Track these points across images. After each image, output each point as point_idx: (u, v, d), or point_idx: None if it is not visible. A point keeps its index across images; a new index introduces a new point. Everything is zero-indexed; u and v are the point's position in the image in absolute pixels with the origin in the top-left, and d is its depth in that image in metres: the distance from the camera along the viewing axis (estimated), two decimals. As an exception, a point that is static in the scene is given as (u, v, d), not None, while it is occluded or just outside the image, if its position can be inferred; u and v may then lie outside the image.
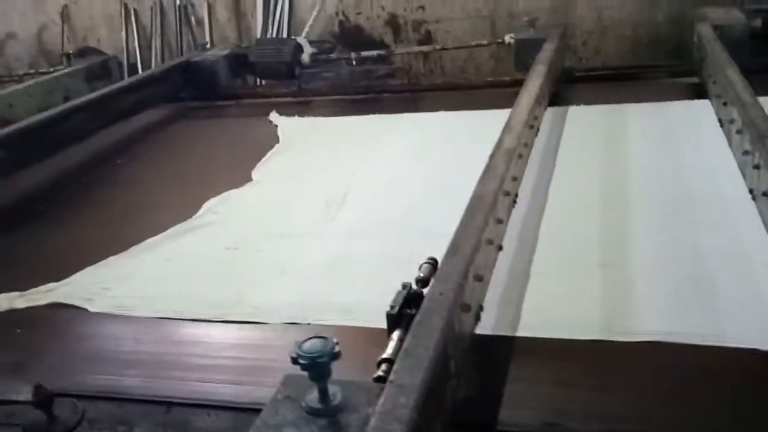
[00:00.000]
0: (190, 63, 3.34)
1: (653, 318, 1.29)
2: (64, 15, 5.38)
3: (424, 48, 3.67)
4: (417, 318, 1.03)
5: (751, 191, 1.59)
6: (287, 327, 1.44)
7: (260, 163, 2.44)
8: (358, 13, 4.86)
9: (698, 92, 2.51)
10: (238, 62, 3.45)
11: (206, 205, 2.09)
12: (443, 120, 2.72)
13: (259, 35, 4.97)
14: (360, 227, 1.85)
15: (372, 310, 1.35)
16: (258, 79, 4.19)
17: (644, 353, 1.22)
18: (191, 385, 1.29)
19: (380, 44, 4.80)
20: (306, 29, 4.76)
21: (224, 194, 2.17)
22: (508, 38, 3.05)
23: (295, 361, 0.85)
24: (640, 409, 1.11)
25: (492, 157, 1.61)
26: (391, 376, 0.90)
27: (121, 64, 4.08)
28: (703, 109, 2.29)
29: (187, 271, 1.73)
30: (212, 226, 1.96)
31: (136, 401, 1.23)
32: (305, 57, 3.35)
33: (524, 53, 2.91)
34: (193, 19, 5.12)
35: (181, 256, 1.80)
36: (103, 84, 3.64)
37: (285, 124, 2.85)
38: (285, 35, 4.85)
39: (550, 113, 2.44)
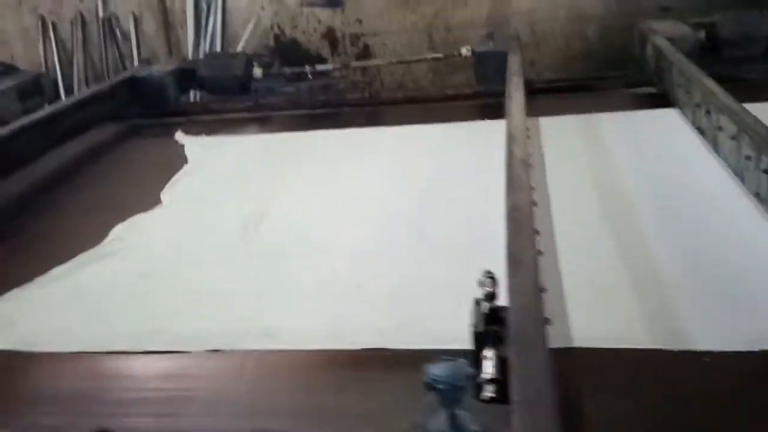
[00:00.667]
0: (135, 78, 3.18)
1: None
2: (-28, 28, 5.04)
3: (376, 62, 3.64)
4: (511, 334, 1.00)
5: (757, 194, 1.67)
6: (209, 354, 1.40)
7: (168, 185, 2.35)
8: (294, 27, 4.79)
9: (658, 102, 2.62)
10: (186, 77, 3.31)
11: (114, 232, 2.00)
12: (385, 134, 2.72)
13: (190, 49, 4.82)
14: (279, 249, 1.83)
15: (298, 332, 1.41)
16: (195, 96, 4.07)
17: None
18: (118, 420, 1.22)
19: (317, 58, 4.75)
20: (242, 43, 4.66)
21: (131, 219, 2.08)
22: (464, 50, 3.07)
23: (430, 387, 0.81)
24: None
25: (510, 167, 1.61)
26: (515, 396, 0.87)
27: (54, 82, 3.84)
28: (671, 117, 2.40)
29: (99, 301, 1.65)
30: (121, 253, 1.88)
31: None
32: (257, 71, 3.27)
33: (485, 66, 2.96)
34: (118, 32, 4.89)
35: (91, 285, 1.72)
36: (36, 102, 3.42)
37: (193, 144, 2.76)
38: (218, 49, 4.72)
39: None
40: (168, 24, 4.88)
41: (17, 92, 3.25)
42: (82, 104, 2.84)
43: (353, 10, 4.69)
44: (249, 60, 3.27)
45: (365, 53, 4.78)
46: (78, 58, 4.92)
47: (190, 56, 4.80)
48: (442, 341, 1.25)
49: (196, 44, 4.80)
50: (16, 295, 1.69)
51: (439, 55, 3.34)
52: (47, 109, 2.64)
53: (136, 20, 4.88)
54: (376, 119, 2.99)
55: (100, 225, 2.05)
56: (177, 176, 2.44)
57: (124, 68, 4.91)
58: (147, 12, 4.88)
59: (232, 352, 1.40)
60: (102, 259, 1.85)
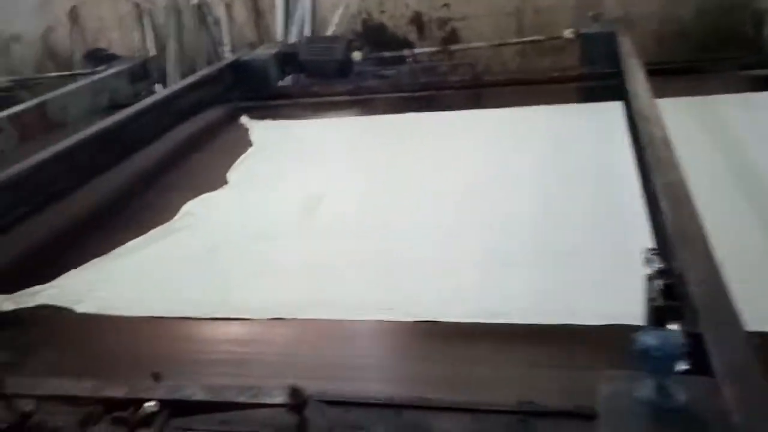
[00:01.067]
0: (240, 62, 3.26)
1: None
2: (73, 16, 5.23)
3: (476, 44, 3.62)
4: (696, 307, 1.00)
5: None
6: (272, 322, 1.50)
7: (234, 166, 2.45)
8: (382, 12, 4.81)
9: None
10: (287, 61, 3.38)
11: (183, 209, 2.10)
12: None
13: (279, 35, 4.90)
14: (336, 228, 1.90)
15: (353, 305, 1.50)
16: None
17: None
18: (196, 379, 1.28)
19: (404, 43, 4.76)
20: (331, 28, 4.71)
21: (200, 197, 2.19)
22: (567, 33, 3.04)
23: (642, 355, 0.82)
24: None
25: (652, 147, 1.60)
26: (720, 368, 0.87)
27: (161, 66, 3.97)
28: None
29: (171, 272, 1.76)
30: (189, 228, 1.99)
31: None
32: (356, 55, 3.31)
33: (591, 48, 2.92)
34: (209, 19, 5.01)
35: (162, 257, 1.83)
36: (145, 85, 3.56)
37: (257, 128, 2.83)
38: (309, 34, 4.78)
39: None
40: (258, 10, 4.97)
41: (128, 75, 3.39)
42: (193, 87, 2.93)
43: (441, -5, 4.69)
44: (349, 44, 3.31)
45: (452, 37, 4.76)
46: (172, 45, 5.05)
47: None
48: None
49: (286, 30, 4.88)
50: (95, 264, 1.81)
51: (540, 37, 3.30)
52: (163, 92, 2.73)
53: (227, 7, 4.98)
54: (478, 102, 2.99)
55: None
56: (242, 158, 2.53)
57: (216, 54, 5.03)
58: (238, 0, 4.98)
59: (292, 320, 1.49)
60: (172, 233, 1.97)
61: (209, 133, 2.96)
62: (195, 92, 2.93)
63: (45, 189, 2.07)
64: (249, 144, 2.72)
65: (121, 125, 2.43)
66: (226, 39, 4.98)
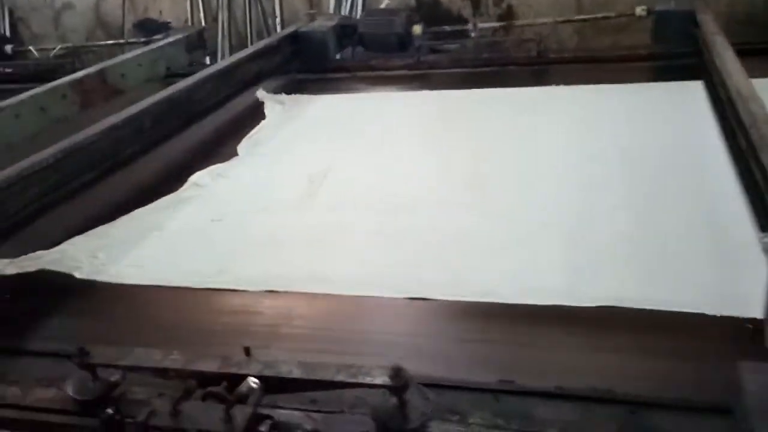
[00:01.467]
0: (299, 33, 3.20)
1: None
2: (125, -15, 5.22)
3: (542, 20, 3.52)
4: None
5: None
6: (265, 294, 1.48)
7: (245, 138, 2.42)
8: (437, -14, 4.71)
9: None
10: (345, 33, 3.31)
11: (191, 179, 2.09)
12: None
13: (331, 8, 4.83)
14: (340, 202, 1.89)
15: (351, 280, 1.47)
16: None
17: None
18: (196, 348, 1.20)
19: (458, 19, 4.66)
20: (385, 2, 4.62)
21: (209, 168, 2.17)
22: (639, 10, 2.92)
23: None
24: None
25: (753, 127, 1.50)
26: None
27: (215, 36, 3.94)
28: None
29: (172, 242, 1.75)
30: (198, 200, 1.98)
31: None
32: (417, 29, 3.23)
33: (665, 25, 2.80)
34: (261, -10, 4.96)
35: (166, 226, 1.82)
36: (201, 54, 3.52)
37: (272, 101, 2.78)
38: (360, 7, 4.70)
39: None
40: (310, -17, 4.90)
41: (185, 44, 3.35)
42: (253, 57, 2.88)
43: (500, -30, 4.56)
44: (409, 17, 3.23)
45: (508, 14, 4.65)
46: (223, 15, 5.02)
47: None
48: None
49: (338, 3, 4.80)
50: (98, 231, 1.79)
51: (611, 14, 3.18)
52: (226, 61, 2.69)
53: (279, -21, 4.92)
54: (544, 79, 2.89)
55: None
56: (254, 131, 2.49)
57: (266, 26, 4.98)
58: (290, -30, 4.91)
59: (285, 293, 1.48)
60: (179, 203, 1.96)
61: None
62: (255, 62, 2.88)
63: (112, 155, 2.04)
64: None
65: (187, 92, 2.39)
66: (277, 11, 4.93)
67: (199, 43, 3.49)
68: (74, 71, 3.53)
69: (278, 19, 4.92)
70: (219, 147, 2.46)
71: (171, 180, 2.14)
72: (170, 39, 3.27)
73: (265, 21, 4.98)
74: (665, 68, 2.72)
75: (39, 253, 1.66)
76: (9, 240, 1.73)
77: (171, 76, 3.26)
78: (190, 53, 3.40)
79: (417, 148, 2.28)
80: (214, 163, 2.28)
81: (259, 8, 4.96)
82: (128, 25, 5.31)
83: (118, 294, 1.56)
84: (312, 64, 3.20)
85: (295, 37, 3.21)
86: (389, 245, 1.63)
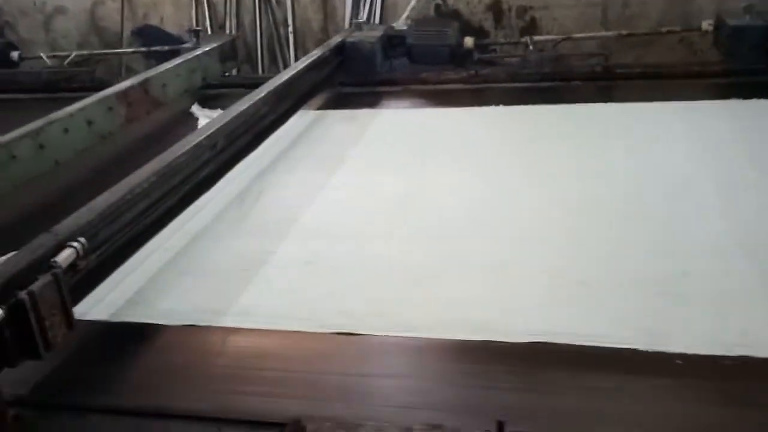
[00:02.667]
0: (345, 44, 3.01)
1: None
2: (124, -11, 4.94)
3: (603, 34, 3.42)
4: None
5: None
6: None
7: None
8: (458, -3, 4.58)
9: None
10: (391, 44, 3.14)
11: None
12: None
13: (348, 18, 4.65)
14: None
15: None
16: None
17: None
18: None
19: (479, 31, 4.53)
20: (406, 12, 4.46)
21: None
22: (705, 24, 2.82)
23: None
24: None
25: None
26: None
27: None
28: None
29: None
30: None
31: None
32: (468, 41, 3.07)
33: (740, 40, 2.70)
34: (272, -2, 4.75)
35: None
36: (233, 64, 3.31)
37: (207, 119, 2.60)
38: (377, 17, 4.55)
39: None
40: (325, -9, 4.71)
41: (219, 54, 3.13)
42: (309, 69, 2.67)
43: (524, -18, 4.46)
44: (462, 29, 3.07)
45: (531, 26, 4.54)
46: (231, 23, 4.79)
47: (347, 25, 4.64)
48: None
49: (355, 13, 4.63)
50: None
51: (676, 28, 3.08)
52: (285, 75, 2.47)
53: (292, -14, 4.72)
54: (608, 95, 2.75)
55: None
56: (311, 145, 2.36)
57: (278, 35, 4.78)
58: (303, -22, 4.72)
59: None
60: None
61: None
62: (309, 75, 2.68)
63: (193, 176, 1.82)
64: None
65: (254, 108, 2.18)
66: (289, 19, 4.72)
67: (231, 53, 3.27)
68: (92, 81, 3.29)
69: (290, 28, 4.72)
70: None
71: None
72: (205, 48, 3.05)
73: (276, 29, 4.77)
74: (737, 85, 2.62)
75: None
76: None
77: (205, 87, 3.05)
78: (223, 63, 3.18)
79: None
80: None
81: (270, 16, 4.75)
82: (126, 32, 5.03)
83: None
84: (359, 76, 3.01)
85: (340, 49, 3.01)
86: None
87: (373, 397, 1.20)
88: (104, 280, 1.48)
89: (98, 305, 1.47)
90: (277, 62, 4.80)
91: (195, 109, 2.81)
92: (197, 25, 4.87)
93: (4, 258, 1.26)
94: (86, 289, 1.41)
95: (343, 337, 1.35)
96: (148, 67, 4.75)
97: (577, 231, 1.66)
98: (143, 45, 4.77)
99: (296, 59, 4.74)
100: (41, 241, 1.30)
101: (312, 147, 2.39)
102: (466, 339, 1.31)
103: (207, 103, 2.90)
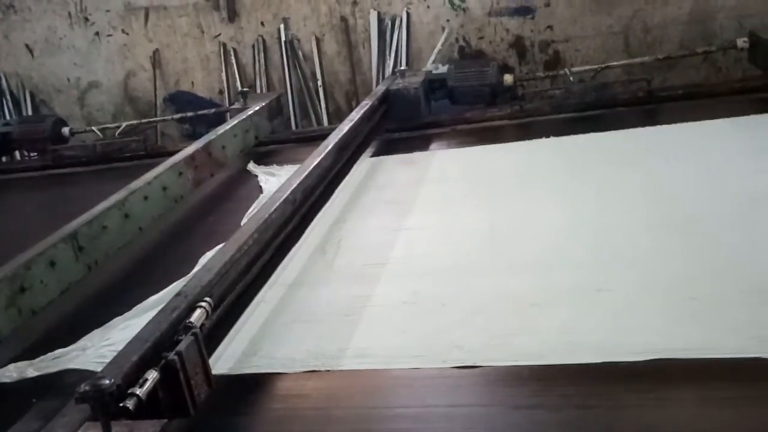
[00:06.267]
0: (390, 92, 3.10)
1: None
2: (155, 60, 5.10)
3: (640, 59, 3.45)
4: None
5: None
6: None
7: (247, 214, 2.30)
8: (481, 38, 4.70)
9: None
10: (431, 88, 3.23)
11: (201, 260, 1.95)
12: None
13: (374, 67, 4.78)
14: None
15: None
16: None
17: None
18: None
19: (504, 68, 4.63)
20: (433, 56, 4.57)
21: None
22: (740, 42, 2.90)
23: None
24: None
25: None
26: None
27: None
28: None
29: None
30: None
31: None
32: (508, 78, 3.16)
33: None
34: (300, 53, 4.88)
35: None
36: (279, 122, 3.40)
37: (266, 174, 2.74)
38: (403, 64, 4.66)
39: None
40: (350, 43, 4.84)
41: (267, 112, 3.23)
42: (363, 120, 2.76)
43: (544, 17, 4.57)
44: (500, 68, 3.16)
45: (555, 60, 4.65)
46: (261, 82, 4.92)
47: (374, 74, 4.77)
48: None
49: (381, 62, 4.76)
50: (118, 323, 1.76)
51: (712, 48, 3.16)
52: (341, 129, 2.54)
53: (318, 42, 4.86)
54: (656, 118, 2.81)
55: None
56: (254, 205, 2.38)
57: (307, 88, 4.90)
58: (329, 33, 4.86)
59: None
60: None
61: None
62: (362, 125, 2.76)
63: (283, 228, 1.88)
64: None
65: (328, 163, 2.25)
66: (318, 73, 4.85)
67: (277, 110, 3.38)
68: (143, 149, 3.38)
69: (319, 81, 4.85)
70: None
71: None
72: (255, 108, 3.15)
73: (306, 84, 4.90)
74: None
75: (56, 352, 1.63)
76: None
77: (258, 146, 3.15)
78: (271, 121, 3.28)
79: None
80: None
81: (299, 72, 4.88)
82: (159, 100, 5.18)
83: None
84: (404, 122, 3.10)
85: (385, 97, 3.11)
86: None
87: (521, 427, 1.23)
88: (225, 336, 1.53)
89: (218, 361, 1.52)
90: (309, 115, 4.91)
91: (251, 166, 2.88)
92: (228, 86, 5.02)
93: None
94: (213, 347, 1.46)
95: (467, 370, 1.39)
96: (182, 132, 4.91)
97: (672, 249, 1.70)
98: (176, 110, 4.92)
99: (327, 111, 4.86)
100: (175, 304, 1.36)
101: (378, 192, 2.45)
102: (589, 362, 1.35)
103: (261, 159, 2.99)
